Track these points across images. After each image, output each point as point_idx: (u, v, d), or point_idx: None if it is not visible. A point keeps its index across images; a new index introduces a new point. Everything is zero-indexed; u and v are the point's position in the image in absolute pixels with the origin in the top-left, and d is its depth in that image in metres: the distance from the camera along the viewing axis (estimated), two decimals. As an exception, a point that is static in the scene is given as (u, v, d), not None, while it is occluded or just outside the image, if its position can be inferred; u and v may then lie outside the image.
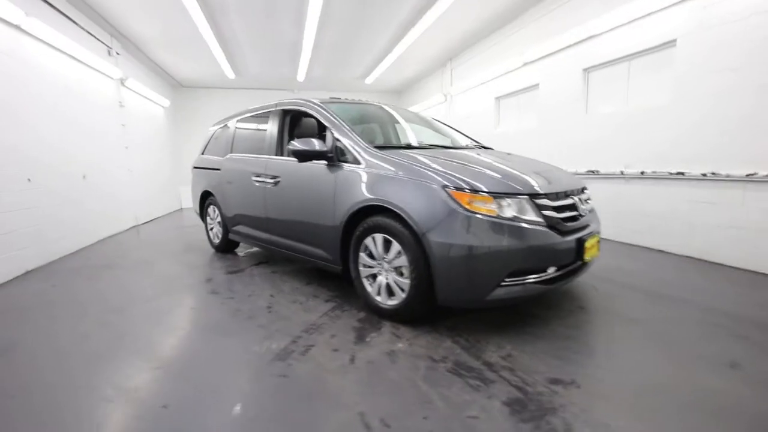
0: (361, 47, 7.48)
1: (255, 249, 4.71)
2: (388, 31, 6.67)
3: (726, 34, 3.34)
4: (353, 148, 2.68)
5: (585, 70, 4.92)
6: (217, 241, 4.57)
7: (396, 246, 2.33)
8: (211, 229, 4.69)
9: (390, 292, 2.44)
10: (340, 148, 2.77)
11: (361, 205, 2.47)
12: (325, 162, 2.83)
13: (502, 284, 2.09)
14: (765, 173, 3.13)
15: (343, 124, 2.86)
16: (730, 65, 3.32)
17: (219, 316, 2.62)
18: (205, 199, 4.69)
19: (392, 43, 7.21)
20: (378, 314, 2.53)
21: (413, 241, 2.22)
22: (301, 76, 9.12)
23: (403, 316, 2.38)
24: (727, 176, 3.38)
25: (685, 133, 3.75)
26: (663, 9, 3.84)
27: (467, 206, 2.10)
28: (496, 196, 2.13)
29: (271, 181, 3.34)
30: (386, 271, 2.44)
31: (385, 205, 2.32)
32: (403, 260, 2.29)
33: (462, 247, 2.06)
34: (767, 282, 3.09)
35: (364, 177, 2.53)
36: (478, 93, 7.52)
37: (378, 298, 2.52)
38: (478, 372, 1.86)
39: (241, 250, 4.66)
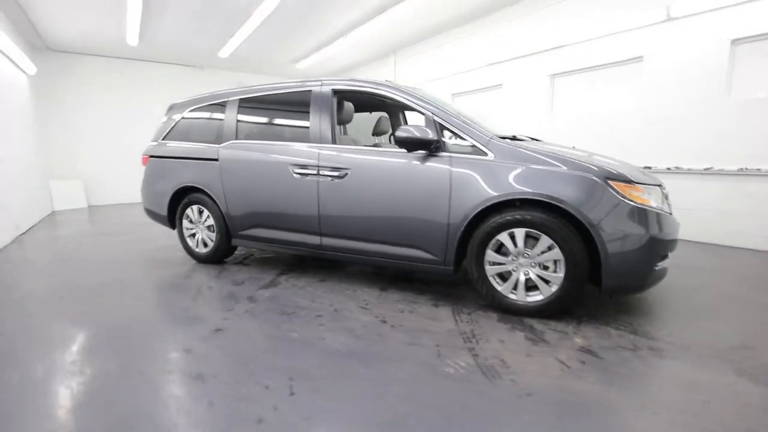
0: (314, 25, 6.83)
1: (242, 255, 3.91)
2: (353, 12, 6.27)
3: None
4: (474, 137, 2.46)
5: (551, 76, 5.54)
6: (204, 249, 3.62)
7: (546, 240, 2.24)
8: (193, 235, 3.68)
9: (527, 289, 2.36)
10: (447, 136, 2.52)
11: (503, 199, 2.29)
12: (422, 152, 2.53)
13: (654, 269, 2.24)
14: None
15: (448, 110, 2.60)
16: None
17: (352, 341, 2.10)
18: (180, 198, 3.66)
19: (351, 25, 6.79)
20: (513, 313, 2.41)
21: (571, 233, 2.19)
22: (225, 52, 7.82)
23: (550, 311, 2.32)
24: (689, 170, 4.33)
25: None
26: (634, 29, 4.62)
27: (629, 197, 2.17)
28: (645, 186, 2.26)
29: (332, 174, 2.80)
30: (525, 266, 2.34)
31: (544, 199, 2.20)
32: (554, 254, 2.23)
33: (634, 236, 2.12)
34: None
35: (499, 170, 2.35)
36: (429, 89, 7.70)
37: (513, 296, 2.40)
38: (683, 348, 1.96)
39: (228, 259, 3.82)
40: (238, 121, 3.36)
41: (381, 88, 2.80)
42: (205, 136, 3.59)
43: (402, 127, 2.47)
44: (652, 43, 4.44)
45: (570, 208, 2.16)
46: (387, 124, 3.75)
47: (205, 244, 3.63)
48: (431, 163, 2.51)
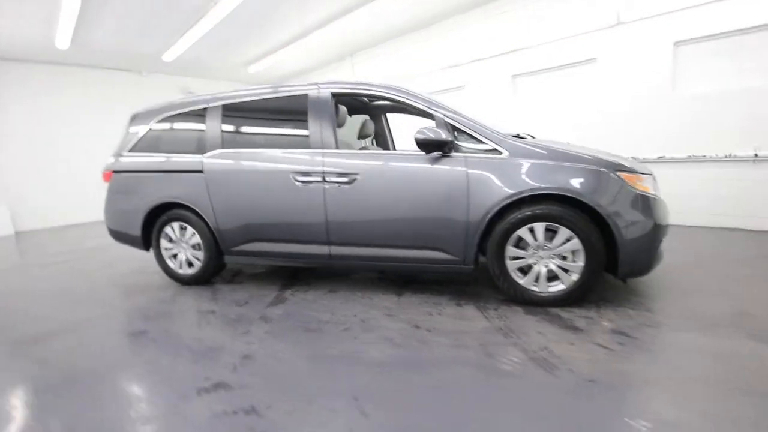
0: (270, 28, 6.57)
1: (231, 273, 3.63)
2: (311, 16, 6.12)
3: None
4: (488, 137, 2.50)
5: (513, 76, 5.84)
6: (189, 270, 3.29)
7: (565, 232, 2.35)
8: (174, 256, 3.34)
9: (547, 279, 2.46)
10: (459, 137, 2.55)
11: (522, 195, 2.36)
12: (437, 153, 2.53)
13: (658, 251, 2.44)
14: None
15: (458, 111, 2.61)
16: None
17: (410, 353, 2.02)
18: (156, 215, 3.30)
19: (309, 29, 6.62)
20: (536, 304, 2.48)
21: (589, 224, 2.31)
22: (170, 56, 7.23)
23: (572, 299, 2.43)
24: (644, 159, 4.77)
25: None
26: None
27: (636, 186, 2.34)
28: (644, 175, 2.45)
29: (340, 179, 2.69)
30: (545, 259, 2.43)
31: (566, 193, 2.30)
32: (573, 244, 2.35)
33: (643, 222, 2.29)
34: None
35: (515, 167, 2.41)
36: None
37: (534, 288, 2.48)
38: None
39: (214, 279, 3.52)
40: (222, 129, 3.11)
41: (387, 91, 2.75)
42: (181, 147, 3.29)
43: (420, 129, 2.45)
44: (604, 45, 4.86)
45: (589, 200, 2.28)
46: (371, 127, 3.71)
47: (190, 264, 3.31)
48: (447, 164, 2.52)
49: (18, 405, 1.76)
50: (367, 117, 3.83)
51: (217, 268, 3.31)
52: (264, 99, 3.08)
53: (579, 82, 5.22)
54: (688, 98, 4.36)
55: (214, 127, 3.13)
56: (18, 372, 2.07)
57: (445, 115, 2.59)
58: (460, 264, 2.59)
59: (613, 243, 2.32)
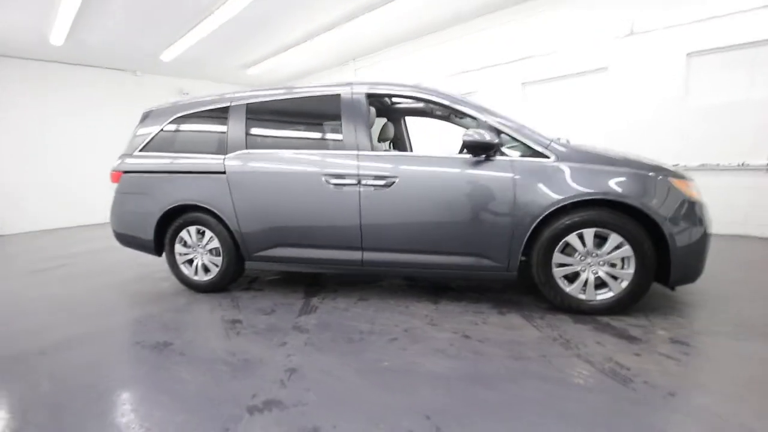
0: (274, 30, 6.43)
1: (247, 279, 3.44)
2: (316, 20, 6.03)
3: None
4: (534, 140, 2.43)
5: (523, 84, 5.86)
6: (206, 276, 3.10)
7: (615, 238, 2.29)
8: (190, 261, 3.14)
9: (595, 287, 2.38)
10: (504, 141, 2.47)
11: (572, 201, 2.29)
12: (481, 157, 2.45)
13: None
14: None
15: (503, 114, 2.54)
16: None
17: (484, 369, 1.89)
18: (171, 219, 3.11)
19: (313, 33, 6.52)
20: (583, 312, 2.40)
21: (640, 230, 2.25)
22: (169, 55, 6.99)
23: (620, 307, 2.36)
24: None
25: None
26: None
27: (686, 192, 2.30)
28: (690, 182, 2.41)
29: (377, 182, 2.58)
30: (593, 266, 2.36)
31: (618, 198, 2.23)
32: (624, 251, 2.28)
33: (695, 229, 2.25)
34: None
35: (562, 171, 2.34)
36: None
37: (582, 296, 2.40)
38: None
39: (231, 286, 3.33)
40: (247, 129, 2.96)
41: (425, 92, 2.66)
42: (199, 147, 3.12)
43: (468, 131, 2.37)
44: (616, 54, 4.92)
45: (642, 206, 2.22)
46: (391, 131, 3.62)
47: (206, 270, 3.12)
48: (492, 168, 2.44)
49: None
50: (386, 120, 3.74)
51: (236, 275, 3.13)
52: (292, 99, 2.94)
53: (589, 91, 5.26)
54: (700, 108, 4.43)
55: (238, 127, 2.97)
56: (25, 393, 1.85)
57: (489, 118, 2.52)
58: (503, 271, 2.50)
59: (664, 250, 2.27)
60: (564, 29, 5.30)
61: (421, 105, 3.69)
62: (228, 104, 3.05)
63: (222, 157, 2.96)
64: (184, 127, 3.21)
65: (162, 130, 3.22)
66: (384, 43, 7.44)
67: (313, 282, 3.31)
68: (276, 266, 2.97)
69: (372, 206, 2.62)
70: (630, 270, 2.31)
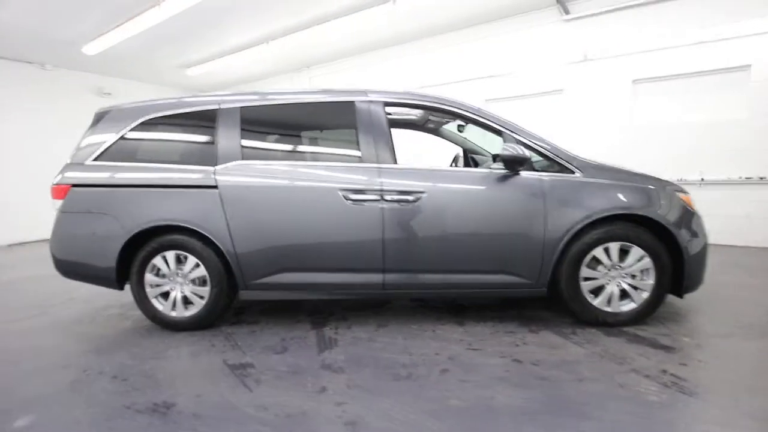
0: (224, 29, 5.88)
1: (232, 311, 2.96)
2: (271, 24, 5.66)
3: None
4: (561, 156, 2.45)
5: (486, 100, 6.10)
6: (187, 312, 2.57)
7: (637, 251, 2.38)
8: (165, 294, 2.59)
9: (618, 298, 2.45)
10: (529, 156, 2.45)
11: (602, 216, 2.33)
12: (508, 172, 2.40)
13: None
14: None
15: (528, 130, 2.52)
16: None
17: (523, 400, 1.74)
18: (139, 244, 2.54)
19: (267, 36, 6.09)
20: (609, 325, 2.44)
21: (657, 242, 2.37)
22: (93, 48, 5.96)
23: (642, 317, 2.45)
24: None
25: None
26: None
27: (690, 206, 2.49)
28: (688, 195, 2.63)
29: (402, 198, 2.38)
30: (617, 278, 2.43)
31: (645, 213, 2.33)
32: (645, 263, 2.38)
33: (701, 239, 2.43)
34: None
35: (591, 187, 2.39)
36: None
37: (607, 309, 2.45)
38: None
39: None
40: (242, 137, 2.56)
41: (448, 104, 2.55)
42: (176, 157, 2.65)
43: (505, 145, 2.30)
44: (571, 78, 5.37)
45: (662, 219, 2.35)
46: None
47: (187, 304, 2.60)
48: (522, 183, 2.40)
49: None
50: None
51: (226, 307, 2.67)
52: (295, 105, 2.63)
53: (547, 111, 5.65)
54: (644, 129, 5.00)
55: (230, 134, 2.56)
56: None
57: (513, 132, 2.49)
58: (533, 288, 2.46)
59: (678, 260, 2.42)
60: (524, 51, 5.66)
61: (413, 117, 3.58)
62: (216, 107, 2.62)
63: (211, 169, 2.52)
64: (154, 132, 2.69)
65: (124, 135, 2.65)
66: (343, 53, 7.25)
67: (313, 310, 2.95)
68: (278, 295, 2.59)
69: (396, 223, 2.41)
70: (650, 281, 2.42)
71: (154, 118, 2.66)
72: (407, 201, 2.39)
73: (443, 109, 2.57)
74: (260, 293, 2.57)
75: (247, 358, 2.21)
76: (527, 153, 2.31)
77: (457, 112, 2.55)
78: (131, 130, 2.65)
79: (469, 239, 2.42)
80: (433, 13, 5.67)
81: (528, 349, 2.22)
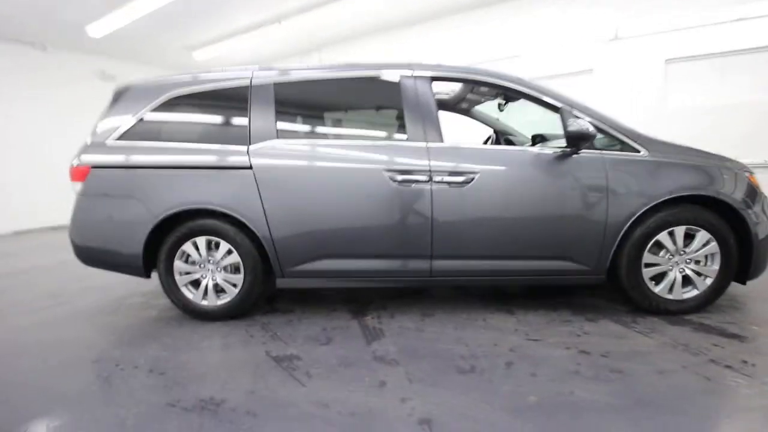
0: (234, 8, 5.61)
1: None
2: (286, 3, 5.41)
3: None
4: (625, 133, 2.27)
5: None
6: (219, 301, 2.42)
7: (703, 235, 2.22)
8: (196, 282, 2.43)
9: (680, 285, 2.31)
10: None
11: (672, 197, 2.16)
12: (569, 150, 2.22)
13: None
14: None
15: (588, 106, 2.34)
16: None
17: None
18: (167, 229, 2.37)
19: (279, 15, 5.83)
20: (671, 313, 2.30)
21: (724, 225, 2.22)
22: (99, 31, 5.71)
23: (705, 305, 2.31)
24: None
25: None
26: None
27: (757, 187, 2.33)
28: (754, 176, 2.46)
29: (453, 179, 2.21)
30: (680, 264, 2.28)
31: (713, 195, 2.16)
32: (711, 248, 2.23)
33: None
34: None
35: (655, 166, 2.22)
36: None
37: (669, 296, 2.31)
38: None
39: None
40: (278, 114, 2.37)
41: (500, 79, 2.36)
42: (206, 136, 2.47)
43: (572, 121, 2.12)
44: (601, 57, 5.15)
45: (733, 201, 2.19)
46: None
47: (219, 292, 2.45)
48: (583, 162, 2.23)
49: None
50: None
51: (260, 296, 2.51)
52: (334, 79, 2.43)
53: (577, 92, 5.41)
54: (678, 110, 4.81)
55: (264, 111, 2.37)
56: None
57: (579, 110, 2.30)
58: (591, 274, 2.31)
59: (747, 244, 2.26)
60: (552, 29, 5.42)
61: (449, 95, 3.38)
62: (247, 83, 2.42)
63: (243, 149, 2.34)
64: (180, 110, 2.50)
65: (147, 113, 2.46)
66: (354, 34, 7.00)
67: (349, 298, 2.80)
68: (317, 283, 2.44)
69: (446, 206, 2.24)
70: (715, 266, 2.27)
71: (181, 95, 2.47)
72: (458, 182, 2.22)
73: (496, 83, 2.37)
74: (298, 281, 2.43)
75: (291, 350, 2.06)
76: (592, 129, 2.14)
77: (511, 87, 2.36)
78: (155, 108, 2.46)
79: (525, 223, 2.26)
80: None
81: (591, 339, 2.08)
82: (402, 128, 2.33)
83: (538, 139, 2.76)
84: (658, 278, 2.31)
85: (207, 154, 2.36)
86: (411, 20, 6.46)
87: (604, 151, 2.26)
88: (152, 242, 2.39)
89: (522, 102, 3.22)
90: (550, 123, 3.09)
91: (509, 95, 2.92)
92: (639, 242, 2.25)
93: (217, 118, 2.52)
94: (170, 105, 2.47)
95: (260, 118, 2.37)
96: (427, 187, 2.23)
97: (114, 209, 2.41)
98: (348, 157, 2.31)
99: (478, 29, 6.00)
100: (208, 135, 2.49)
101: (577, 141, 2.15)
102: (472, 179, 2.22)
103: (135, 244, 2.38)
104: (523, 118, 3.40)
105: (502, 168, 2.27)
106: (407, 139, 2.30)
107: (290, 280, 2.42)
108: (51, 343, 2.30)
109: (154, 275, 2.50)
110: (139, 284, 3.14)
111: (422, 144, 2.28)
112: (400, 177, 2.23)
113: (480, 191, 2.23)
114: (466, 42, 6.15)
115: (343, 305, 2.68)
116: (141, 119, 2.46)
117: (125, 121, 2.46)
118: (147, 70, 7.93)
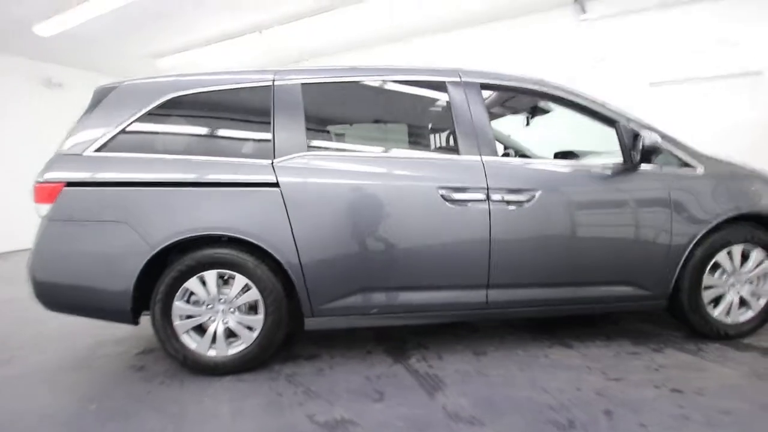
0: (211, 13, 5.17)
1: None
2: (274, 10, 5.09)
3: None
4: (682, 149, 2.16)
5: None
6: (231, 349, 1.95)
7: (758, 254, 2.15)
8: (200, 328, 1.95)
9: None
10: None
11: (733, 215, 2.07)
12: (629, 165, 2.07)
13: None
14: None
15: (641, 120, 2.21)
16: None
17: None
18: (162, 263, 1.90)
19: (248, 27, 5.49)
20: (727, 338, 2.17)
21: None
22: (48, 30, 4.95)
23: (759, 327, 2.22)
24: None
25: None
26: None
27: None
28: None
29: (513, 198, 1.97)
30: (737, 285, 2.18)
31: None
32: (765, 267, 2.16)
33: None
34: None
35: (715, 184, 2.13)
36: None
37: (728, 320, 2.18)
38: None
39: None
40: (308, 121, 2.02)
41: (551, 89, 2.19)
42: (215, 147, 2.07)
43: (645, 132, 1.96)
44: (585, 79, 5.31)
45: (789, 218, 2.15)
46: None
47: (230, 337, 1.99)
48: (644, 179, 2.09)
49: None
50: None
51: (281, 341, 2.07)
52: (372, 83, 2.14)
53: (561, 112, 5.54)
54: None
55: (291, 118, 2.00)
56: None
57: (629, 121, 2.18)
58: (653, 299, 2.15)
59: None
60: (536, 51, 5.53)
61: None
62: (269, 83, 2.05)
63: (266, 163, 1.95)
64: (181, 114, 2.08)
65: (139, 118, 2.00)
66: (336, 48, 6.76)
67: (378, 335, 2.43)
68: (353, 322, 2.05)
69: (506, 228, 1.99)
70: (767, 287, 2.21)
71: (182, 96, 2.04)
72: (518, 201, 1.98)
73: (547, 93, 2.20)
74: (331, 320, 2.03)
75: (340, 411, 1.66)
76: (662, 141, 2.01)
77: (563, 98, 2.19)
78: (149, 112, 2.01)
79: (589, 245, 2.07)
80: (432, 11, 5.44)
81: (671, 373, 1.88)
82: (452, 140, 2.08)
83: (564, 156, 2.63)
84: (714, 301, 2.21)
85: (222, 168, 1.94)
86: (391, 38, 6.36)
87: (663, 167, 2.15)
88: (143, 279, 1.91)
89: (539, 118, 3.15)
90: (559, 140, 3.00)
91: (541, 108, 2.79)
92: (699, 263, 2.13)
93: (229, 127, 2.12)
94: (168, 109, 2.04)
95: (287, 126, 1.99)
96: (485, 206, 1.97)
97: (94, 237, 1.89)
98: (394, 173, 2.00)
99: (459, 50, 6.02)
100: (217, 147, 2.08)
101: (648, 154, 2.01)
102: (533, 197, 2.00)
103: (122, 281, 1.87)
104: (537, 134, 3.29)
105: (565, 184, 2.07)
106: (459, 153, 2.04)
107: (321, 321, 2.02)
108: (7, 416, 1.70)
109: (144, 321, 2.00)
110: (108, 329, 2.54)
111: (476, 158, 2.03)
112: (456, 195, 1.95)
113: (542, 210, 2.00)
114: (445, 62, 6.14)
115: (375, 345, 2.31)
116: (128, 126, 1.99)
117: (109, 129, 1.98)
118: (100, 79, 7.10)
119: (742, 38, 4.50)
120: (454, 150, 2.06)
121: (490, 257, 2.00)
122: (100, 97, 2.07)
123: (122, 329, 2.42)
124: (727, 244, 2.13)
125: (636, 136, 2.01)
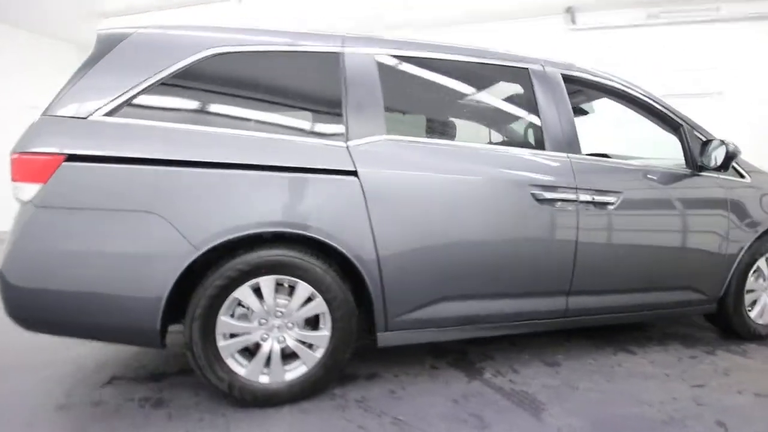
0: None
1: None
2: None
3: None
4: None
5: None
6: (289, 373, 1.58)
7: (794, 260, 2.32)
8: (248, 350, 1.54)
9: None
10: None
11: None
12: (690, 171, 2.09)
13: None
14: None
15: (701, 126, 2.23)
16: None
17: None
18: (205, 267, 1.46)
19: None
20: (762, 338, 2.31)
21: None
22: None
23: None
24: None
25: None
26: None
27: None
28: None
29: (600, 199, 1.85)
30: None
31: None
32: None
33: None
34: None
35: (762, 192, 2.25)
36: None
37: (761, 321, 2.32)
38: None
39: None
40: (386, 100, 1.69)
41: (632, 87, 2.11)
42: (270, 122, 1.68)
43: (728, 141, 1.95)
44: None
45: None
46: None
47: (288, 359, 1.60)
48: (707, 185, 2.12)
49: None
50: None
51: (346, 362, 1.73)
52: (454, 61, 1.86)
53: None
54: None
55: (367, 94, 1.67)
56: None
57: (695, 128, 2.18)
58: (707, 303, 2.20)
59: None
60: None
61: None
62: (338, 49, 1.70)
63: (340, 145, 1.60)
64: (226, 77, 1.64)
65: (168, 77, 1.53)
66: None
67: (432, 347, 2.16)
68: (430, 336, 1.78)
69: (592, 231, 1.88)
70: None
71: (227, 54, 1.61)
72: (605, 203, 1.88)
73: (624, 92, 2.12)
74: (407, 334, 1.74)
75: (447, 445, 1.40)
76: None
77: (639, 99, 2.13)
78: (182, 69, 1.55)
79: (665, 250, 2.03)
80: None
81: (740, 377, 1.91)
82: (538, 132, 1.90)
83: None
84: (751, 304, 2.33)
85: (285, 149, 1.55)
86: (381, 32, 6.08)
87: (721, 176, 2.19)
88: (181, 288, 1.46)
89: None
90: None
91: (582, 109, 2.73)
92: (744, 269, 2.22)
93: (286, 97, 1.73)
94: (209, 68, 1.59)
95: (361, 102, 1.66)
96: (573, 207, 1.84)
97: (109, 231, 1.40)
98: (486, 168, 1.76)
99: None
100: (271, 121, 1.67)
101: (727, 162, 2.02)
102: (619, 199, 1.91)
103: (150, 290, 1.42)
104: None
105: (644, 188, 2.01)
106: (547, 149, 1.88)
107: (396, 335, 1.72)
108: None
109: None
110: (104, 353, 1.99)
111: (564, 155, 1.88)
112: (546, 194, 1.78)
113: (627, 213, 1.93)
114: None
115: (435, 359, 2.06)
116: (153, 87, 1.51)
117: (124, 88, 1.49)
118: (30, 40, 5.72)
119: (706, 62, 4.99)
120: (540, 145, 1.90)
121: (575, 261, 1.87)
122: (107, 47, 1.55)
123: (121, 351, 1.92)
124: (766, 251, 2.26)
125: (707, 142, 2.03)
